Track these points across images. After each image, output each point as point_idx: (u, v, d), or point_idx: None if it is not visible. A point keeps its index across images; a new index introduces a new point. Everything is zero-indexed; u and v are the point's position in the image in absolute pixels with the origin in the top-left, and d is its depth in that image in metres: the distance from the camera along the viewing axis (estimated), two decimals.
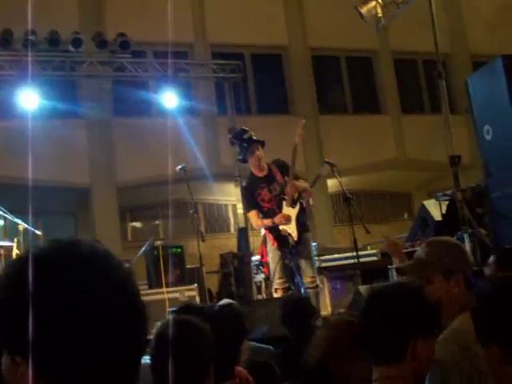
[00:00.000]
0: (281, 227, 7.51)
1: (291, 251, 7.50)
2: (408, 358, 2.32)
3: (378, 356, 2.37)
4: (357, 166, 15.82)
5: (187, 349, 2.51)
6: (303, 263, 7.56)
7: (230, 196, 15.77)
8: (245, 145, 7.85)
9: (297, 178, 7.79)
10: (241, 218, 13.77)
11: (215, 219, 17.35)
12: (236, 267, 11.96)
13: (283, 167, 7.69)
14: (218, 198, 16.81)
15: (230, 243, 14.80)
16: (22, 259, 1.17)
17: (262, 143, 7.87)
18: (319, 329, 3.36)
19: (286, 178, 7.60)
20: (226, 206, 17.42)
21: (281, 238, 7.53)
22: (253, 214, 7.84)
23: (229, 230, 17.24)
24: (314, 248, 7.90)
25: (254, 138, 7.85)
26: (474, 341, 2.47)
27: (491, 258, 4.16)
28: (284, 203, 7.56)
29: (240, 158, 7.96)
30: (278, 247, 7.54)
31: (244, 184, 8.12)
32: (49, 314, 1.10)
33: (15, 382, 1.13)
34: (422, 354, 2.35)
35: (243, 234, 12.66)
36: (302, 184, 7.75)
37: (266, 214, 7.71)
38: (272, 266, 7.73)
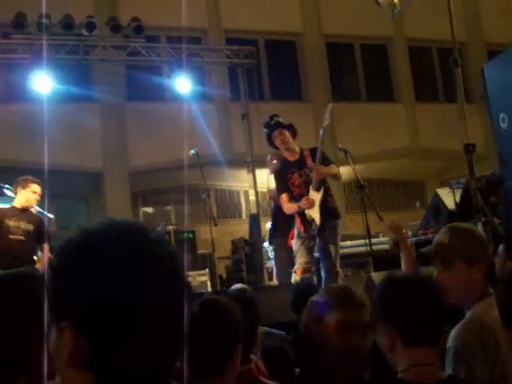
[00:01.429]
0: (306, 212, 7.50)
1: (315, 235, 7.50)
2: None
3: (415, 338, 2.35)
4: (370, 153, 15.76)
5: (214, 326, 2.51)
6: (328, 247, 7.54)
7: (242, 182, 15.76)
8: (267, 131, 7.87)
9: (328, 162, 7.74)
10: (253, 204, 13.79)
11: (227, 205, 17.37)
12: (247, 253, 11.98)
13: (315, 152, 7.66)
14: (230, 184, 16.81)
15: (242, 229, 14.82)
16: (78, 235, 1.22)
17: (285, 127, 7.84)
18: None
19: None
20: (238, 192, 17.43)
21: (306, 222, 7.53)
22: (283, 197, 7.85)
23: (240, 216, 17.26)
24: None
25: (277, 121, 7.83)
26: (497, 325, 2.47)
27: (500, 247, 4.13)
28: (310, 187, 7.55)
29: (268, 142, 7.98)
30: (304, 231, 7.54)
31: (277, 167, 8.10)
32: (98, 284, 1.15)
33: (60, 348, 1.17)
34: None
35: (255, 220, 12.68)
36: (330, 169, 7.70)
37: (296, 198, 7.70)
38: (295, 247, 7.74)
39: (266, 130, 7.93)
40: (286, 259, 9.01)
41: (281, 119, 7.91)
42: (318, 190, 7.53)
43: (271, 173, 9.31)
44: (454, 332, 2.87)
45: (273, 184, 8.95)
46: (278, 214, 9.39)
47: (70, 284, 1.16)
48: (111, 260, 1.16)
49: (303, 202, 7.51)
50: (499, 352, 2.68)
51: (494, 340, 2.71)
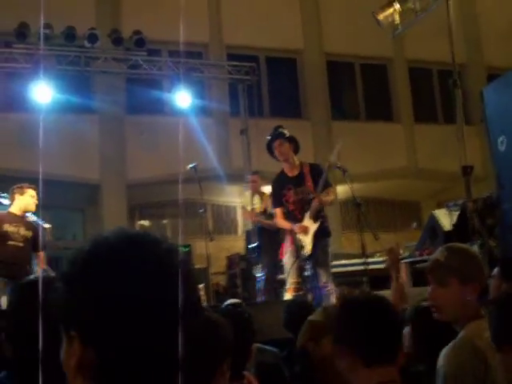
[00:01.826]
0: (298, 235, 7.53)
1: (308, 256, 7.53)
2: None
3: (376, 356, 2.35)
4: (367, 173, 15.78)
5: (200, 341, 2.50)
6: (318, 268, 7.56)
7: (239, 198, 15.76)
8: (269, 138, 7.89)
9: (327, 185, 7.73)
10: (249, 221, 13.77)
11: (223, 221, 17.34)
12: (243, 269, 11.96)
13: (317, 174, 7.65)
14: (227, 200, 16.80)
15: (238, 245, 14.79)
16: (89, 246, 1.20)
17: (287, 139, 7.84)
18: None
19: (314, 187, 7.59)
20: (235, 207, 17.41)
21: (296, 244, 7.55)
22: (277, 212, 7.86)
23: (236, 232, 17.23)
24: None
25: (280, 132, 7.85)
26: (488, 348, 2.46)
27: (495, 270, 4.13)
28: (307, 214, 7.55)
29: (268, 151, 8.00)
30: (295, 251, 7.57)
31: (273, 180, 8.11)
32: (107, 297, 1.13)
33: (68, 358, 1.17)
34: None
35: (251, 236, 12.64)
36: (328, 198, 7.70)
37: (288, 214, 7.72)
38: (287, 266, 7.75)
39: (267, 138, 7.94)
40: (274, 273, 9.10)
41: (285, 131, 7.92)
42: (315, 220, 7.53)
43: (252, 192, 9.42)
44: (445, 351, 2.87)
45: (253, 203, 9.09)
46: (261, 236, 9.44)
47: (80, 296, 1.14)
48: (122, 273, 1.14)
49: (297, 228, 7.53)
50: (489, 376, 2.68)
51: (485, 364, 2.72)
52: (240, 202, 16.27)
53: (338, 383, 2.50)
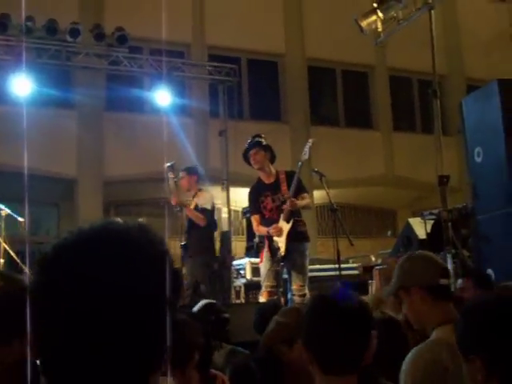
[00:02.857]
0: (274, 238, 7.57)
1: (281, 261, 7.56)
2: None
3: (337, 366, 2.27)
4: (344, 179, 15.83)
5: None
6: (294, 271, 7.61)
7: (215, 199, 15.70)
8: (247, 146, 7.92)
9: (302, 192, 7.78)
10: (224, 222, 13.72)
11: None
12: (215, 270, 11.91)
13: (291, 179, 7.70)
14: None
15: None
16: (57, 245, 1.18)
17: (263, 147, 7.88)
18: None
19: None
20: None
21: (273, 248, 7.59)
22: (254, 219, 7.92)
23: None
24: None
25: (257, 141, 7.87)
26: (449, 354, 2.47)
27: (459, 281, 4.17)
28: (281, 215, 7.60)
29: (243, 157, 8.01)
30: (271, 255, 7.60)
31: (251, 187, 8.14)
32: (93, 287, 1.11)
33: None
34: None
35: (226, 237, 12.60)
36: (302, 202, 7.74)
37: (266, 221, 7.77)
38: (262, 270, 7.79)
39: (246, 145, 7.97)
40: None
41: (262, 140, 7.94)
42: (287, 221, 7.59)
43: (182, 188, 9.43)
44: (411, 353, 2.87)
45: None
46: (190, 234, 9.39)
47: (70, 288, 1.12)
48: (106, 263, 1.13)
49: (272, 230, 7.59)
50: (446, 379, 2.70)
51: (442, 367, 2.73)
52: (218, 202, 16.27)
53: None
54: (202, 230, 9.15)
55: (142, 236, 1.21)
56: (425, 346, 2.90)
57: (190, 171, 9.56)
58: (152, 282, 1.15)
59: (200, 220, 9.07)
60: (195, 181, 9.53)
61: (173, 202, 9.27)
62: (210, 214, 9.19)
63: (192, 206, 9.29)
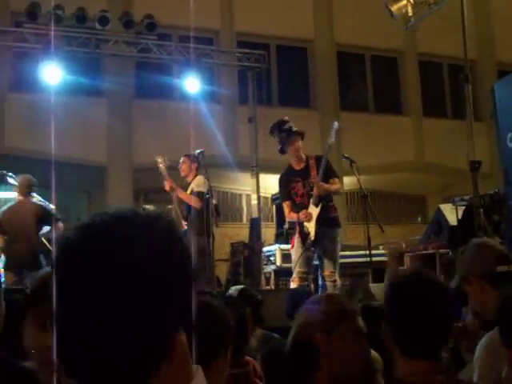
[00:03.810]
0: (305, 224, 7.56)
1: (311, 247, 7.57)
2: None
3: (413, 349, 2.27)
4: (374, 165, 15.73)
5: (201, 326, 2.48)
6: (325, 257, 7.60)
7: (244, 186, 15.73)
8: (283, 135, 7.86)
9: (332, 177, 7.77)
10: (254, 209, 13.72)
11: (228, 208, 17.33)
12: (246, 257, 11.94)
13: (320, 162, 7.69)
14: (233, 187, 16.79)
15: (241, 233, 14.78)
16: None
17: (301, 135, 7.90)
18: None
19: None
20: (241, 195, 17.40)
21: (303, 233, 7.59)
22: (286, 205, 7.93)
23: (241, 220, 17.22)
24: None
25: (294, 129, 7.87)
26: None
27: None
28: (311, 200, 7.60)
29: (279, 148, 7.96)
30: (302, 241, 7.60)
31: (281, 174, 8.13)
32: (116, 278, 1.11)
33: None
34: None
35: (256, 224, 12.64)
36: (331, 186, 7.73)
37: (297, 207, 7.77)
38: (294, 256, 7.79)
39: (277, 132, 7.93)
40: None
41: (293, 126, 7.93)
42: (316, 205, 7.57)
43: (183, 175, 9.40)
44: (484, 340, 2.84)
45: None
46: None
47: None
48: (125, 245, 1.13)
49: (301, 215, 7.58)
50: None
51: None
52: (245, 189, 16.31)
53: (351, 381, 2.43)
54: (201, 213, 9.09)
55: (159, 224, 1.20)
56: (493, 332, 2.85)
57: (192, 158, 9.55)
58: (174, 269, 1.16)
59: (195, 202, 9.07)
60: (195, 168, 9.51)
61: (166, 188, 9.35)
62: (202, 195, 9.11)
63: (189, 191, 9.31)
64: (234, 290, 5.48)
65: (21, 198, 8.80)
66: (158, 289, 1.12)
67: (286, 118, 8.05)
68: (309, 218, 7.54)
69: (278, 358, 3.49)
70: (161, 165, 9.47)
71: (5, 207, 8.89)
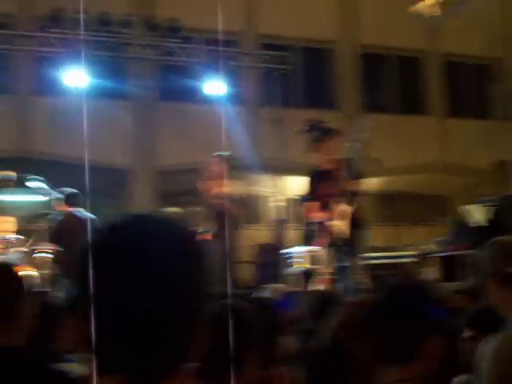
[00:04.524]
0: (335, 222, 7.54)
1: (342, 246, 7.54)
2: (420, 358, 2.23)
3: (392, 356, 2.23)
4: (397, 166, 15.65)
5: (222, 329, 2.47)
6: (352, 259, 7.58)
7: (267, 187, 15.72)
8: (319, 134, 7.88)
9: (361, 176, 7.77)
10: (277, 210, 13.71)
11: (250, 210, 17.29)
12: (272, 258, 11.92)
13: (349, 163, 7.68)
14: (256, 189, 16.77)
15: (264, 234, 14.76)
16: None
17: (339, 133, 7.90)
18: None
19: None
20: (263, 197, 17.36)
21: (331, 234, 7.57)
22: (314, 206, 7.91)
23: (264, 222, 17.18)
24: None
25: (335, 130, 7.89)
26: None
27: None
28: (339, 201, 7.58)
29: (310, 146, 7.96)
30: (331, 241, 7.58)
31: (311, 174, 8.11)
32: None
33: None
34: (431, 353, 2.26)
35: (281, 225, 12.62)
36: (359, 187, 7.73)
37: (325, 207, 7.73)
38: (320, 257, 7.78)
39: (315, 130, 7.94)
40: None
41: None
42: (350, 203, 7.55)
43: (208, 178, 9.30)
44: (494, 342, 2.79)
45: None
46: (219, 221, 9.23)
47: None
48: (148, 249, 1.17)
49: (329, 216, 7.55)
50: None
51: None
52: (269, 191, 16.30)
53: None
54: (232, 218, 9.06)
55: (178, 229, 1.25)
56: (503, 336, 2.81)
57: (224, 159, 9.50)
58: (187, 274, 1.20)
59: (238, 213, 9.02)
60: (227, 170, 9.46)
61: (213, 192, 9.23)
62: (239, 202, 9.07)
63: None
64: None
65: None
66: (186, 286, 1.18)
67: (323, 120, 8.09)
68: (342, 217, 7.51)
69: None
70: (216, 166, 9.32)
71: None
